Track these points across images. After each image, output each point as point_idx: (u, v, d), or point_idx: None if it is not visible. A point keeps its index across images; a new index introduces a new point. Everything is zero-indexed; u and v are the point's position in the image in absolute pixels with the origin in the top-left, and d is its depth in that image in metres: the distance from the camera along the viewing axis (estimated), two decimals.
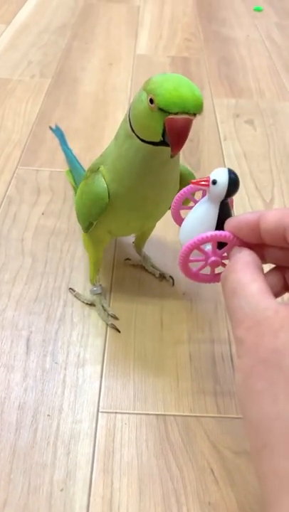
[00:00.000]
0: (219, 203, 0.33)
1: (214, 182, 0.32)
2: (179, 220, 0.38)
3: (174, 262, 0.54)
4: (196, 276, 0.35)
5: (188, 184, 0.36)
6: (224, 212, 0.33)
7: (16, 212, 0.60)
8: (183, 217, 0.37)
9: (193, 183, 0.34)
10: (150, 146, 0.37)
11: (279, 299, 0.29)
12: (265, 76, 0.95)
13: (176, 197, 0.37)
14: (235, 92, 0.89)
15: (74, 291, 0.50)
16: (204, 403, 0.41)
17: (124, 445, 0.38)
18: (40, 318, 0.47)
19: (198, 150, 0.72)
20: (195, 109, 0.34)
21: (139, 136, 0.37)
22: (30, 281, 0.51)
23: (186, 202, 0.38)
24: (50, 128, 0.69)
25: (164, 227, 0.54)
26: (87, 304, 0.49)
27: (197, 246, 0.32)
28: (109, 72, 0.93)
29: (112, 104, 0.83)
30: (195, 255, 0.33)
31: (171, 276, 0.52)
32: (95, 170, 0.43)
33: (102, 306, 0.48)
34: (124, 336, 0.47)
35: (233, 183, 0.32)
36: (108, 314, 0.48)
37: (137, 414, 0.40)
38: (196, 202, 0.35)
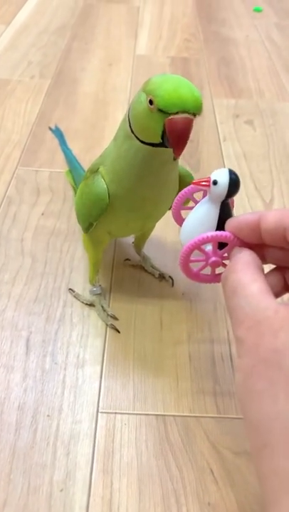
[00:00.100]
0: (220, 204, 0.33)
1: (215, 182, 0.32)
2: (179, 221, 0.38)
3: (174, 262, 0.54)
4: (196, 277, 0.35)
5: (189, 185, 0.36)
6: (225, 212, 0.33)
7: (16, 213, 0.60)
8: (183, 217, 0.37)
9: (194, 183, 0.34)
10: (149, 147, 0.37)
11: (279, 300, 0.29)
12: (265, 76, 0.95)
13: (177, 197, 0.37)
14: (234, 92, 0.89)
15: (74, 291, 0.50)
16: (204, 403, 0.41)
17: (124, 445, 0.38)
18: (40, 319, 0.47)
19: (198, 150, 0.72)
20: (195, 110, 0.34)
21: (138, 137, 0.37)
22: (29, 282, 0.51)
23: (187, 202, 0.38)
24: (50, 128, 0.69)
25: (163, 228, 0.54)
26: (86, 304, 0.49)
27: (198, 246, 0.32)
28: (109, 73, 0.93)
29: (111, 104, 0.83)
30: (196, 255, 0.33)
31: (170, 277, 0.52)
32: (94, 171, 0.43)
33: (102, 307, 0.48)
34: (123, 337, 0.47)
35: (234, 184, 0.32)
36: (108, 315, 0.48)
37: (137, 414, 0.40)
38: (196, 202, 0.35)
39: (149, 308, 0.49)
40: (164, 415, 0.40)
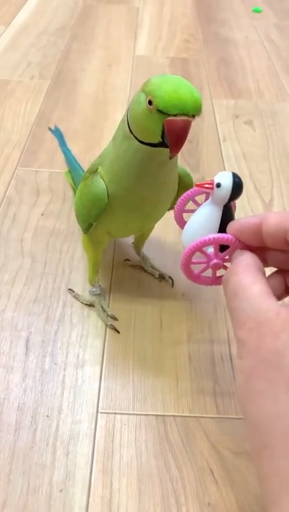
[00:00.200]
0: (222, 206, 0.33)
1: (218, 185, 0.32)
2: (181, 223, 0.38)
3: (174, 262, 0.54)
4: (197, 279, 0.35)
5: (191, 187, 0.36)
6: (227, 215, 0.33)
7: (16, 213, 0.60)
8: (185, 220, 0.37)
9: (197, 185, 0.34)
10: (148, 147, 0.37)
11: (280, 302, 0.30)
12: (265, 77, 0.95)
13: (179, 200, 0.38)
14: (234, 92, 0.89)
15: (73, 291, 0.50)
16: (204, 403, 0.41)
17: (124, 446, 0.38)
18: (40, 319, 0.47)
19: (198, 151, 0.73)
20: (194, 111, 0.34)
21: (137, 137, 0.37)
22: (29, 282, 0.51)
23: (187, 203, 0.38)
24: (49, 129, 0.69)
25: (163, 228, 0.54)
26: (86, 304, 0.49)
27: (199, 248, 0.33)
28: (109, 73, 0.93)
29: (111, 105, 0.83)
30: (197, 257, 0.34)
31: (170, 277, 0.52)
32: (93, 171, 0.43)
33: (102, 307, 0.48)
34: (123, 337, 0.47)
35: (237, 187, 0.32)
36: (107, 315, 0.48)
37: (137, 414, 0.40)
38: (198, 205, 0.35)
39: (148, 309, 0.49)
40: (164, 415, 0.40)
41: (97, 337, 0.46)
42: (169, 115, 0.34)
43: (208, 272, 0.35)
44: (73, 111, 0.81)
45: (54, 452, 0.38)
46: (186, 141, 0.35)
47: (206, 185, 0.33)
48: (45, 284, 0.51)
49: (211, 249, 0.33)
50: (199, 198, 0.37)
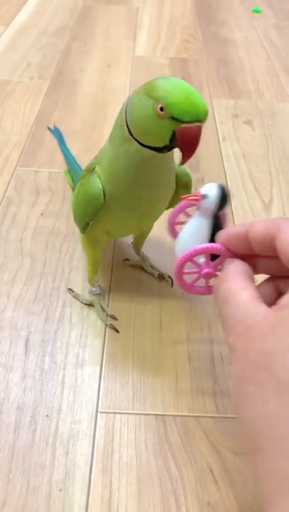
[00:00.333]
0: (211, 217, 0.34)
1: (205, 196, 0.33)
2: (174, 235, 0.40)
3: (173, 262, 0.53)
4: (190, 288, 0.36)
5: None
6: (217, 225, 0.34)
7: (15, 213, 0.60)
8: (178, 232, 0.37)
9: (184, 198, 0.35)
10: (149, 150, 0.37)
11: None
12: (264, 77, 0.95)
13: (172, 212, 0.39)
14: (234, 93, 0.89)
15: (73, 291, 0.50)
16: (203, 403, 0.41)
17: (123, 445, 0.38)
18: (39, 319, 0.47)
19: (197, 151, 0.72)
20: (205, 117, 0.35)
21: (138, 140, 0.37)
22: (29, 282, 0.51)
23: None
24: (49, 128, 0.69)
25: (162, 228, 0.54)
26: (86, 304, 0.49)
27: (190, 258, 0.33)
28: (108, 74, 0.93)
29: (110, 105, 0.83)
30: (189, 267, 0.34)
31: (170, 277, 0.52)
32: (90, 170, 0.43)
33: (101, 307, 0.48)
34: (123, 337, 0.46)
35: (224, 197, 0.34)
36: (107, 315, 0.48)
37: (136, 414, 0.40)
38: (190, 216, 0.36)
39: (148, 308, 0.49)
40: (164, 415, 0.40)
41: (96, 337, 0.46)
42: (183, 122, 0.34)
43: (201, 282, 0.35)
44: (73, 111, 0.81)
45: (54, 452, 0.38)
46: None
47: (192, 197, 0.34)
48: (45, 283, 0.51)
49: (202, 259, 0.34)
50: (192, 210, 0.37)
